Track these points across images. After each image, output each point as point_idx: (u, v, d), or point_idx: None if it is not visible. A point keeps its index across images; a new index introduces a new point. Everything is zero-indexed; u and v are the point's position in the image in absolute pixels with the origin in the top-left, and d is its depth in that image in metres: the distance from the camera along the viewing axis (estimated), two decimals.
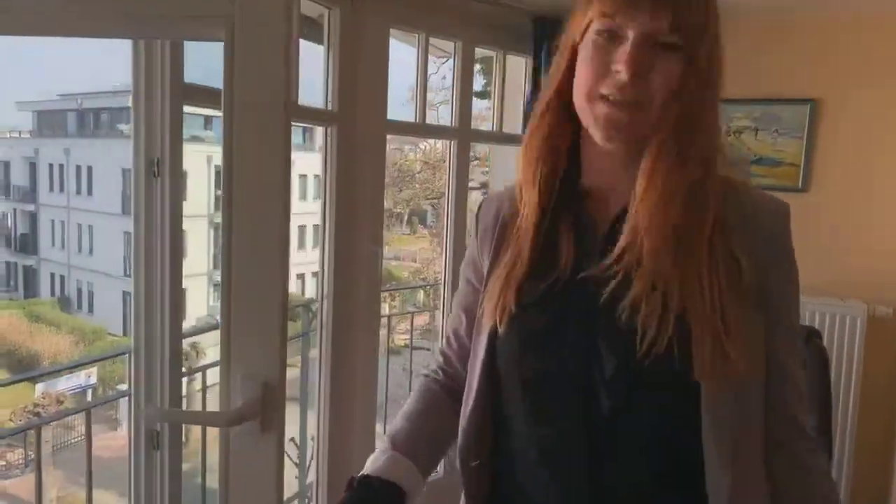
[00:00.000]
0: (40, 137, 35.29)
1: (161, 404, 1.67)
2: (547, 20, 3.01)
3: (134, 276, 1.71)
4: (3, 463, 18.45)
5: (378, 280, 2.60)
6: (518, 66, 3.36)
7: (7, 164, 36.30)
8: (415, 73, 2.88)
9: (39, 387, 20.31)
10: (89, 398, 22.00)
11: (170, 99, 1.61)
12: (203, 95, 1.78)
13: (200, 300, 31.38)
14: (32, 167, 34.30)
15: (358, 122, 2.46)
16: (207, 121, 33.28)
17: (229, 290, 1.33)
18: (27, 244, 34.60)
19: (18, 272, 35.60)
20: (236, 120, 1.27)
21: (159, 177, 1.64)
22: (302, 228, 35.83)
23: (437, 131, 3.51)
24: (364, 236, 2.53)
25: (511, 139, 3.34)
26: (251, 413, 1.33)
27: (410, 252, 41.26)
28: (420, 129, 2.97)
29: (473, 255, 1.15)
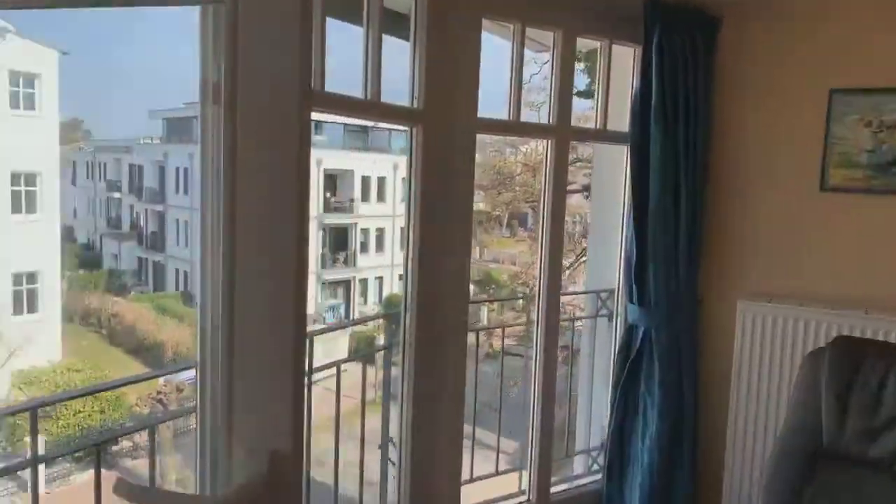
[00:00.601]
0: (169, 143, 38.17)
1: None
2: (659, 4, 2.69)
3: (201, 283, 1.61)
4: (131, 444, 20.09)
5: (466, 292, 2.42)
6: (625, 57, 3.06)
7: (141, 169, 39.60)
8: (509, 66, 2.66)
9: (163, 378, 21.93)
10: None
11: (296, 104, 1.51)
12: (326, 101, 1.69)
13: (309, 298, 32.67)
14: (162, 171, 37.16)
15: (446, 121, 2.27)
16: (318, 126, 34.69)
17: (231, 330, 1.16)
18: (156, 241, 37.54)
19: (149, 267, 38.70)
20: (239, 110, 1.10)
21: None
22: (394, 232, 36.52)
23: (532, 129, 3.25)
24: (452, 242, 2.34)
25: (617, 138, 3.04)
26: (252, 496, 1.08)
27: (510, 255, 40.89)
28: (514, 128, 2.73)
29: None
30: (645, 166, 2.79)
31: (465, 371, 2.54)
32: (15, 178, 19.82)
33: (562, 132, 2.74)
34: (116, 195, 41.86)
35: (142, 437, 20.02)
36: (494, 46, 2.88)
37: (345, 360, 2.60)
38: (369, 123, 36.01)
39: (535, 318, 2.82)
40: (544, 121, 2.80)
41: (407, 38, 2.27)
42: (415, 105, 2.23)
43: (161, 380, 20.97)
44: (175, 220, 36.42)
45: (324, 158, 33.08)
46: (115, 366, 22.59)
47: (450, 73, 2.29)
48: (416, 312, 2.30)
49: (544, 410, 2.83)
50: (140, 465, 19.26)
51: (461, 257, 2.38)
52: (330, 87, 1.88)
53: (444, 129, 2.27)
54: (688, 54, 2.75)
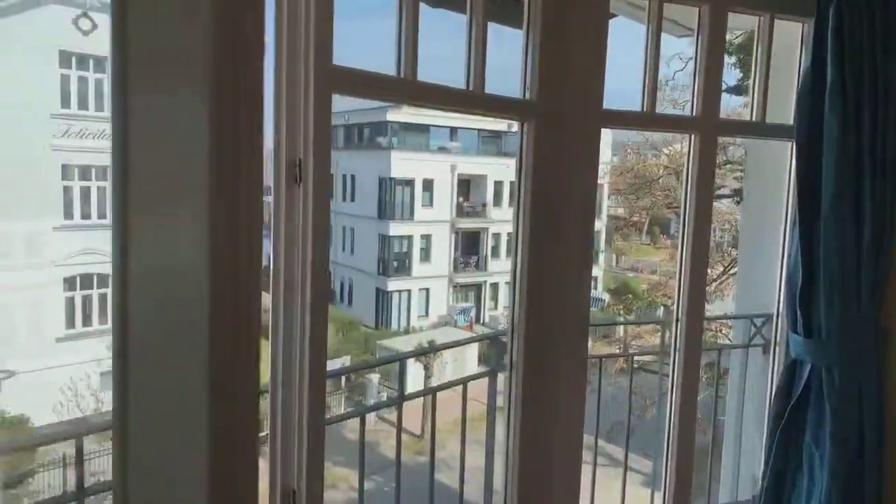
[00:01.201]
0: None
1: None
2: None
3: (272, 297, 1.42)
4: (263, 434, 21.38)
5: (585, 313, 2.07)
6: (788, 35, 2.54)
7: None
8: (643, 51, 2.28)
9: None
10: (343, 384, 24.63)
11: (314, 86, 1.28)
12: (357, 81, 1.43)
13: (440, 301, 33.28)
14: None
15: (565, 114, 1.95)
16: (453, 132, 35.24)
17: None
18: None
19: None
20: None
21: (301, 182, 1.32)
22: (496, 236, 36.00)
23: (671, 123, 2.81)
24: (569, 254, 2.01)
25: (778, 132, 2.53)
26: None
27: (649, 263, 38.92)
28: (647, 120, 2.30)
29: None
30: (815, 166, 2.26)
31: (583, 398, 2.20)
32: None
33: (708, 125, 2.29)
34: (270, 199, 45.43)
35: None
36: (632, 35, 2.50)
37: (460, 381, 2.34)
38: (502, 127, 35.96)
39: (672, 343, 2.39)
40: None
41: (510, 25, 1.98)
42: (526, 96, 1.93)
43: None
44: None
45: (458, 164, 33.56)
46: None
47: (570, 58, 1.96)
48: (524, 334, 2.00)
49: (680, 456, 2.39)
50: (264, 454, 20.57)
51: (580, 269, 2.04)
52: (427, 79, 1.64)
53: (561, 123, 1.94)
54: (875, 27, 2.19)
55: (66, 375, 18.69)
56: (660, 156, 18.55)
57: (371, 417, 20.06)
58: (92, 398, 19.34)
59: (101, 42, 19.06)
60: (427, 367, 22.55)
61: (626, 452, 2.87)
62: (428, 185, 32.60)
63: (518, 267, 2.00)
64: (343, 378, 24.08)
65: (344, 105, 39.15)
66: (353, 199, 34.84)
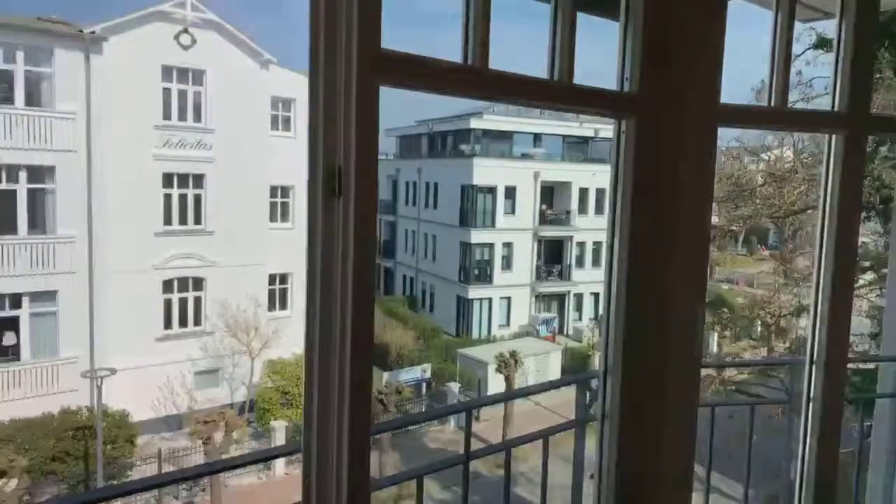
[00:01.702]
0: (400, 159, 41.29)
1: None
2: None
3: (307, 316, 1.16)
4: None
5: (697, 351, 1.69)
6: None
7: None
8: (770, 39, 1.88)
9: (385, 375, 23.39)
10: (423, 391, 24.63)
11: (356, 75, 1.01)
12: (412, 70, 1.14)
13: (522, 310, 32.74)
14: (394, 184, 40.31)
15: (674, 110, 1.59)
16: (537, 138, 34.71)
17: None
18: (388, 249, 40.78)
19: (380, 273, 42.19)
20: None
21: (341, 196, 1.05)
22: (583, 246, 34.76)
23: (808, 120, 2.35)
24: (678, 277, 1.65)
25: None
26: None
27: (745, 275, 36.68)
28: (777, 117, 1.89)
29: None
30: None
31: (692, 453, 1.81)
32: (273, 191, 22.68)
33: (856, 122, 1.86)
34: None
35: None
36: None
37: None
38: (588, 133, 35.01)
39: (805, 390, 1.95)
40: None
41: (598, 14, 1.65)
42: (625, 88, 1.58)
43: (383, 381, 22.41)
44: (404, 230, 39.16)
45: (541, 171, 32.98)
46: None
47: (680, 43, 1.60)
48: (620, 377, 1.65)
49: None
50: None
51: (692, 297, 1.67)
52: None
53: (668, 120, 1.59)
54: None
55: (163, 374, 19.68)
56: (757, 162, 17.36)
57: (451, 426, 19.84)
58: (186, 396, 20.27)
59: (199, 56, 20.05)
60: (508, 378, 22.18)
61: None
62: (510, 192, 32.25)
63: (613, 293, 1.65)
64: (424, 385, 24.10)
65: (427, 113, 39.51)
66: (435, 207, 35.01)
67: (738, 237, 37.40)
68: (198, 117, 20.25)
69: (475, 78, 1.26)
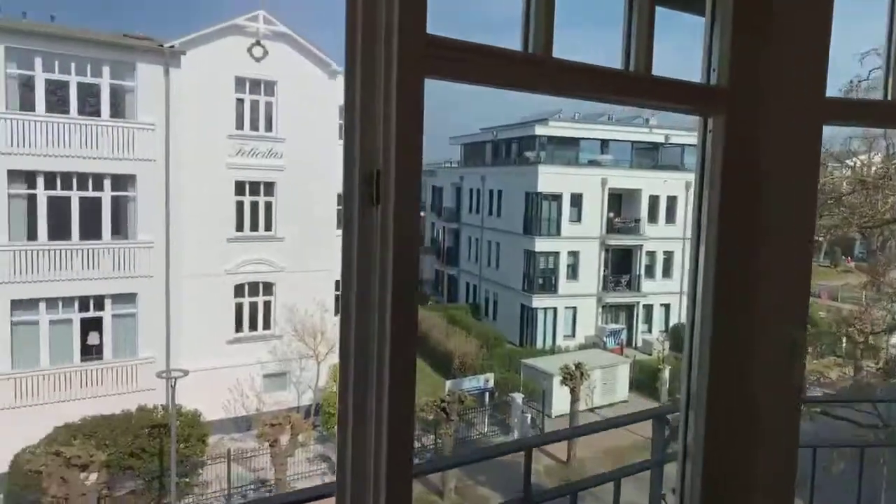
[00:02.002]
0: (465, 166, 41.31)
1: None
2: None
3: (341, 331, 1.03)
4: (419, 445, 21.74)
5: (798, 383, 1.47)
6: None
7: (441, 190, 43.65)
8: (887, 25, 1.63)
9: (447, 383, 23.28)
10: (486, 401, 24.35)
11: (398, 65, 0.87)
12: (464, 59, 1.00)
13: (588, 321, 31.97)
14: (458, 192, 40.35)
15: (770, 105, 1.38)
16: (604, 144, 33.96)
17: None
18: (451, 256, 40.84)
19: (444, 280, 42.28)
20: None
21: (379, 204, 0.92)
22: (663, 256, 33.45)
23: None
24: (774, 300, 1.43)
25: None
26: None
27: (830, 288, 34.58)
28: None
29: None
30: None
31: (792, 491, 1.58)
32: (339, 199, 22.90)
33: None
34: (421, 213, 46.87)
35: (428, 440, 21.44)
36: None
37: None
38: (658, 139, 33.94)
39: None
40: None
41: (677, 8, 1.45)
42: (711, 81, 1.38)
43: (446, 388, 22.30)
44: (468, 237, 39.11)
45: (609, 177, 32.19)
46: None
47: (777, 30, 1.39)
48: (705, 412, 1.44)
49: None
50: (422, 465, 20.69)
51: (792, 324, 1.44)
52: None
53: (764, 117, 1.37)
54: None
55: (233, 376, 20.28)
56: (842, 168, 16.29)
57: (514, 439, 19.42)
58: (255, 398, 20.81)
59: (271, 67, 20.68)
60: (574, 391, 21.62)
61: None
62: (576, 199, 31.61)
63: (696, 313, 1.44)
64: (487, 395, 23.83)
65: (491, 121, 39.39)
66: (499, 215, 34.77)
67: (821, 248, 35.36)
68: (269, 127, 20.86)
69: (538, 68, 1.10)
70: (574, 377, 21.02)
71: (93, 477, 14.25)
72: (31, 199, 17.18)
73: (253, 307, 21.40)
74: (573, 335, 31.35)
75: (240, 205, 20.60)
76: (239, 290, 20.95)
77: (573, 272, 31.72)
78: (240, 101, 20.37)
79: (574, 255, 31.63)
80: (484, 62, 1.03)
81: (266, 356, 21.18)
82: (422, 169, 0.95)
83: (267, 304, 21.57)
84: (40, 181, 17.16)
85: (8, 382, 16.95)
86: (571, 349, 29.36)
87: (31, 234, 17.20)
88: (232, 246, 20.40)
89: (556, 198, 31.41)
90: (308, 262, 21.33)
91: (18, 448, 15.01)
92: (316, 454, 19.48)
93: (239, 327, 21.13)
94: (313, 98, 21.00)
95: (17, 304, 17.01)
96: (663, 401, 23.28)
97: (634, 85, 1.30)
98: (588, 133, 33.36)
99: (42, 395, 17.33)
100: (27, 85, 17.18)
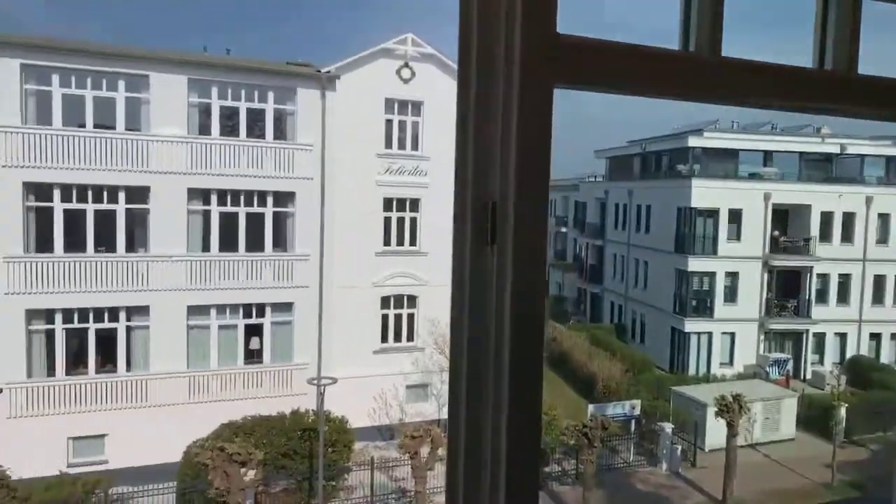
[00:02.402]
0: (610, 181, 39.93)
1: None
2: None
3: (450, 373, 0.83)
4: (560, 469, 21.04)
5: None
6: None
7: (584, 205, 42.54)
8: None
9: (590, 407, 22.35)
10: (632, 429, 23.02)
11: (520, 70, 0.67)
12: (604, 63, 0.76)
13: (748, 348, 29.34)
14: (602, 207, 39.06)
15: None
16: (768, 156, 31.16)
17: None
18: (595, 274, 39.54)
19: (587, 299, 41.03)
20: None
21: (495, 244, 0.71)
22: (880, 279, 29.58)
23: None
24: None
25: None
26: None
27: None
28: None
29: None
30: None
31: None
32: None
33: None
34: (563, 229, 45.93)
35: (569, 464, 20.73)
36: None
37: None
38: (832, 149, 30.50)
39: None
40: None
41: None
42: None
43: (588, 413, 21.43)
44: (612, 254, 37.68)
45: (773, 192, 29.43)
46: (548, 389, 24.10)
47: None
48: None
49: None
50: (564, 492, 20.00)
51: None
52: None
53: None
54: None
55: (378, 385, 21.02)
56: None
57: (662, 468, 18.21)
58: (398, 408, 21.38)
59: (418, 88, 21.37)
60: (731, 424, 19.77)
61: None
62: (735, 215, 29.24)
63: None
64: (633, 422, 22.54)
65: (639, 131, 37.74)
66: (647, 231, 33.12)
67: None
68: (415, 146, 21.52)
69: (700, 70, 0.84)
70: (731, 409, 19.26)
71: (251, 473, 15.33)
72: (206, 215, 19.03)
73: (398, 319, 22.08)
74: (730, 363, 28.91)
75: (387, 220, 21.41)
76: (385, 301, 21.72)
77: (731, 294, 29.29)
78: (388, 122, 21.23)
79: (732, 276, 29.22)
80: (628, 66, 0.78)
81: (409, 367, 21.71)
82: (549, 200, 0.73)
83: (411, 317, 22.15)
84: (214, 198, 18.98)
85: (183, 380, 18.82)
86: (728, 378, 27.07)
87: (205, 247, 19.04)
88: (379, 259, 21.22)
89: (712, 214, 29.27)
90: (449, 276, 21.60)
91: (189, 440, 16.54)
92: None
93: (384, 338, 21.88)
94: None
95: (192, 310, 18.88)
96: (839, 442, 20.63)
97: (838, 88, 0.98)
98: (749, 144, 30.83)
99: (211, 393, 19.05)
100: (205, 112, 19.14)
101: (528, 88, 0.70)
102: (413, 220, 21.71)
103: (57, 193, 17.33)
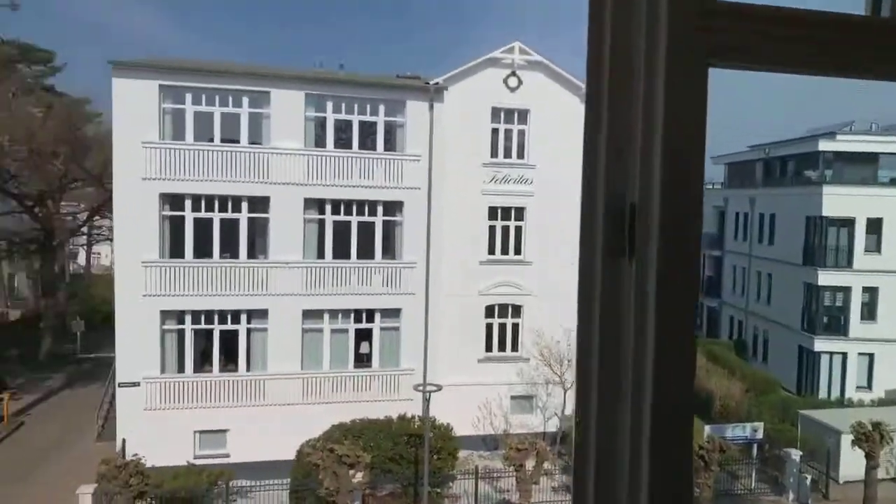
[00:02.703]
0: (729, 188, 37.61)
1: None
2: None
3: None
4: None
5: None
6: None
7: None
8: None
9: (706, 428, 21.00)
10: (754, 453, 21.35)
11: (668, 44, 0.55)
12: (762, 30, 0.62)
13: (890, 371, 26.47)
14: (721, 216, 36.87)
15: None
16: None
17: None
18: (712, 286, 37.34)
19: (703, 312, 38.81)
20: None
21: (634, 256, 0.59)
22: None
23: None
24: None
25: None
26: None
27: None
28: None
29: None
30: None
31: None
32: None
33: None
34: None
35: None
36: None
37: None
38: None
39: None
40: None
41: None
42: None
43: (704, 434, 20.17)
44: (732, 266, 35.44)
45: None
46: None
47: None
48: None
49: None
50: None
51: None
52: None
53: None
54: None
55: (482, 394, 20.96)
56: None
57: (789, 498, 16.79)
58: (502, 418, 21.20)
59: (524, 96, 21.20)
60: (870, 455, 17.82)
61: None
62: (874, 225, 26.53)
63: None
64: (754, 447, 20.92)
65: (759, 135, 35.24)
66: (771, 242, 30.85)
67: None
68: (521, 154, 21.34)
69: None
70: (871, 438, 17.44)
71: (359, 476, 15.73)
72: (321, 224, 19.86)
73: (502, 328, 21.92)
74: (869, 387, 26.23)
75: (492, 229, 21.35)
76: (489, 310, 21.63)
77: (869, 312, 26.59)
78: (494, 131, 21.20)
79: (871, 291, 26.52)
80: (807, 36, 0.63)
81: (513, 378, 21.47)
82: (702, 200, 0.60)
83: (515, 327, 21.92)
84: (328, 208, 19.77)
85: (297, 381, 19.69)
86: (867, 404, 24.57)
87: (320, 254, 19.86)
88: (484, 268, 21.19)
89: (847, 223, 26.76)
90: (555, 286, 21.22)
91: (302, 440, 17.24)
92: (561, 484, 19.06)
93: (489, 347, 21.78)
94: (565, 124, 20.99)
95: (307, 314, 19.73)
96: None
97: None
98: (891, 147, 27.99)
99: (322, 394, 19.79)
100: (321, 125, 20.02)
101: (677, 66, 0.57)
102: (518, 229, 21.51)
103: (188, 203, 18.74)
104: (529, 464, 16.97)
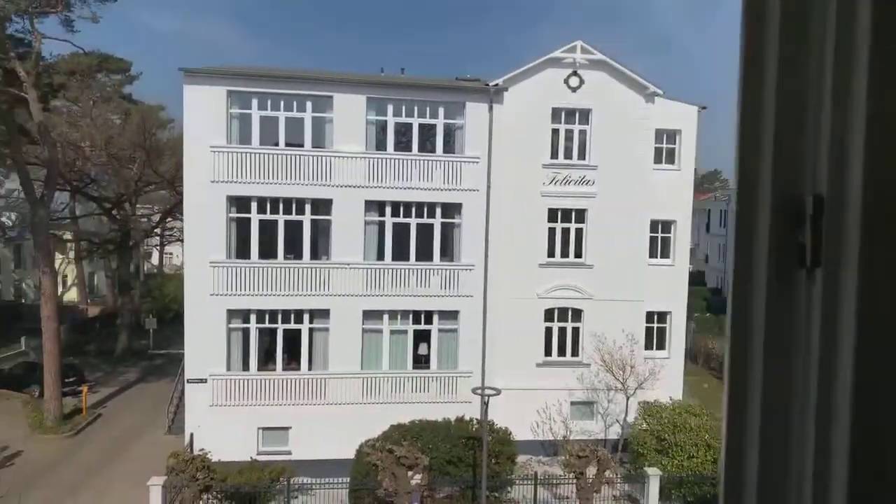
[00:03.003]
0: None
1: None
2: None
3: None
4: None
5: None
6: None
7: None
8: None
9: None
10: None
11: None
12: None
13: None
14: None
15: None
16: None
17: None
18: None
19: None
20: None
21: (819, 266, 0.48)
22: None
23: None
24: None
25: None
26: None
27: None
28: None
29: None
30: None
31: None
32: (653, 226, 21.94)
33: None
34: None
35: None
36: None
37: None
38: None
39: None
40: None
41: None
42: None
43: None
44: None
45: None
46: None
47: None
48: None
49: None
50: None
51: None
52: None
53: None
54: None
55: (541, 399, 20.64)
56: None
57: None
58: (562, 424, 20.81)
59: (586, 96, 20.77)
60: None
61: None
62: None
63: None
64: None
65: None
66: None
67: None
68: (582, 155, 20.92)
69: None
70: None
71: (417, 477, 15.73)
72: (381, 226, 20.03)
73: (561, 333, 21.53)
74: None
75: (552, 231, 21.01)
76: (549, 314, 21.29)
77: None
78: (555, 132, 20.87)
79: None
80: None
81: (574, 383, 21.06)
82: None
83: (575, 331, 21.50)
84: (388, 210, 19.92)
85: (357, 381, 19.90)
86: None
87: (380, 255, 20.03)
88: (543, 271, 20.87)
89: None
90: (616, 290, 20.71)
91: (361, 439, 17.39)
92: (622, 493, 18.56)
93: (548, 351, 21.44)
94: (628, 124, 20.47)
95: (367, 315, 19.93)
96: None
97: None
98: None
99: (382, 394, 19.94)
100: (381, 128, 20.20)
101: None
102: (578, 231, 21.08)
103: (254, 206, 19.26)
104: (590, 471, 16.58)
